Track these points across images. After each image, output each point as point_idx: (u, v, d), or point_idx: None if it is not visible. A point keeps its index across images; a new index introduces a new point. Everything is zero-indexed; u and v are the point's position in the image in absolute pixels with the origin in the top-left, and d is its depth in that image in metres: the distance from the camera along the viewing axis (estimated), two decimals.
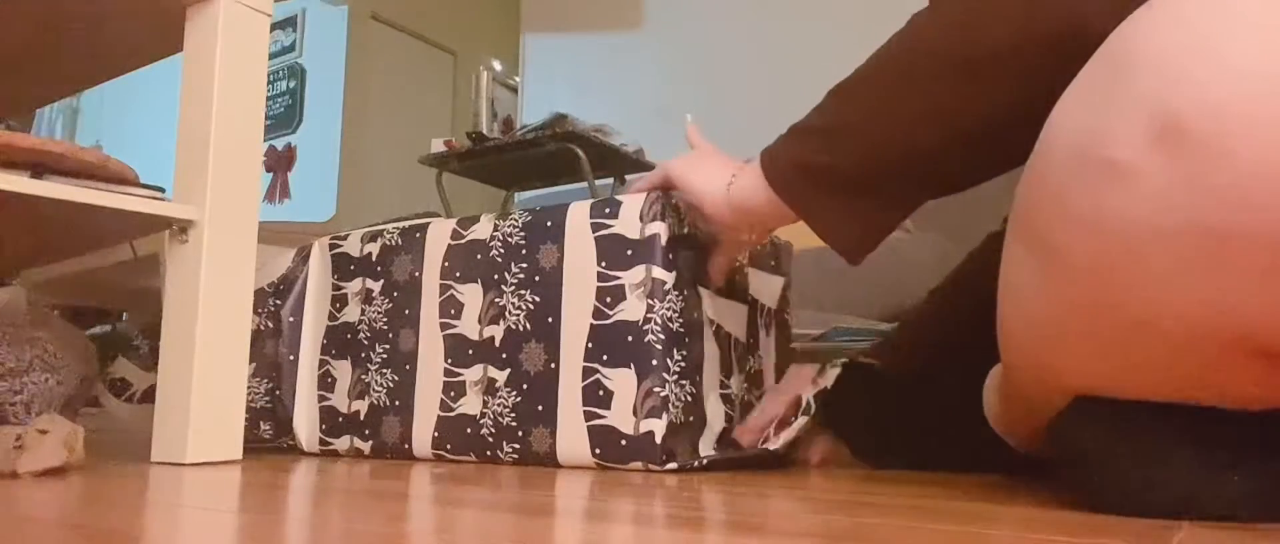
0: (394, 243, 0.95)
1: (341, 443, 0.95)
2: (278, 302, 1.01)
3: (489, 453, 0.85)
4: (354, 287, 0.98)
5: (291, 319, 1.00)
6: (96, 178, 0.79)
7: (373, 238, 0.97)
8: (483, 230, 0.89)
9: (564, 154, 2.58)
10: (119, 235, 1.02)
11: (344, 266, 0.99)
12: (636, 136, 2.85)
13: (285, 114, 4.46)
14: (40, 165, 0.76)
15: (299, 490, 0.62)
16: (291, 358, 1.00)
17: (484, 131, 2.81)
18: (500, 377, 0.85)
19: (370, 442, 0.93)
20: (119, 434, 1.22)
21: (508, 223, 0.88)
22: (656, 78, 3.44)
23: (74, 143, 0.79)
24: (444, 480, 0.69)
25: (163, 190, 0.84)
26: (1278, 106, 0.37)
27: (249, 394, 0.99)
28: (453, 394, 0.88)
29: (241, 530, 0.43)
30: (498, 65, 3.04)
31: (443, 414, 0.88)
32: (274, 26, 3.14)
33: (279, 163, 4.46)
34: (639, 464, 0.77)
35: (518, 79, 3.76)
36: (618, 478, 0.71)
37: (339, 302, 0.99)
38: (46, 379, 0.96)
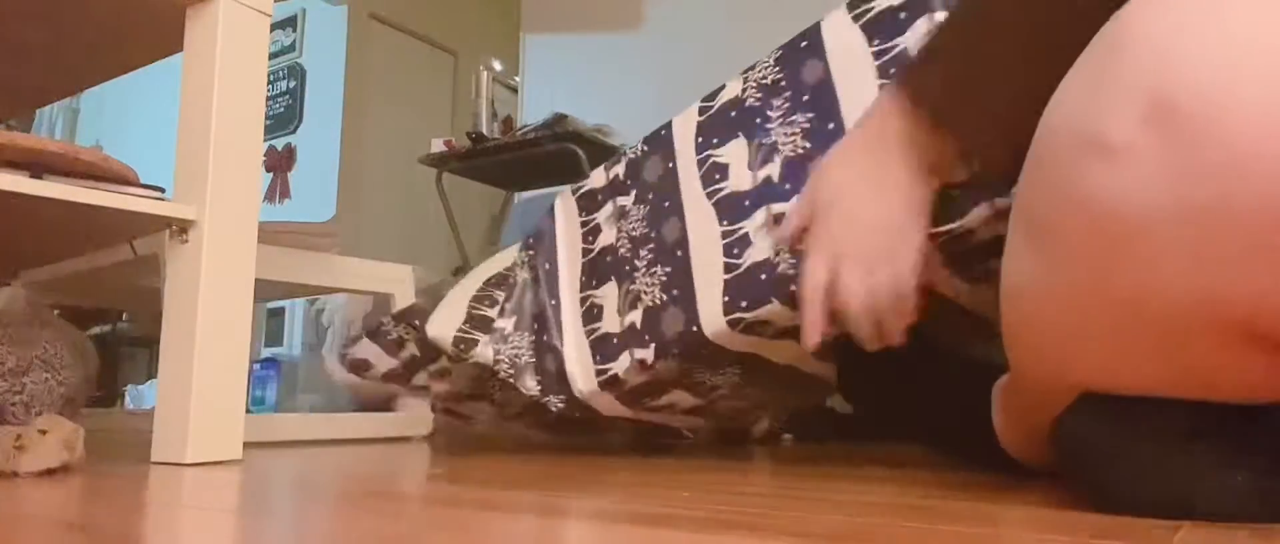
0: (639, 153, 0.95)
1: (620, 364, 0.88)
2: (530, 252, 1.02)
3: (793, 288, 0.74)
4: (604, 213, 0.96)
5: (547, 267, 0.99)
6: (96, 178, 0.79)
7: (615, 162, 0.97)
8: (731, 91, 0.88)
9: (564, 154, 2.57)
10: (119, 235, 1.01)
11: (591, 202, 0.98)
12: (636, 136, 2.85)
13: (285, 114, 4.45)
14: (40, 165, 0.76)
15: (299, 490, 0.62)
16: (553, 302, 0.97)
17: (484, 131, 2.81)
18: (788, 208, 0.78)
19: (652, 346, 0.86)
20: (119, 434, 1.22)
21: (757, 70, 0.86)
22: (656, 78, 3.44)
23: (74, 143, 0.78)
24: (443, 481, 0.69)
25: (163, 190, 0.84)
26: (1268, 83, 0.37)
27: (511, 350, 0.97)
28: (736, 251, 0.81)
29: (241, 530, 0.42)
30: (498, 65, 3.04)
31: (728, 276, 0.80)
32: (274, 26, 3.14)
33: (279, 163, 4.45)
34: None
35: (518, 79, 3.76)
36: (617, 477, 0.71)
37: (590, 234, 0.96)
38: (46, 379, 0.96)
